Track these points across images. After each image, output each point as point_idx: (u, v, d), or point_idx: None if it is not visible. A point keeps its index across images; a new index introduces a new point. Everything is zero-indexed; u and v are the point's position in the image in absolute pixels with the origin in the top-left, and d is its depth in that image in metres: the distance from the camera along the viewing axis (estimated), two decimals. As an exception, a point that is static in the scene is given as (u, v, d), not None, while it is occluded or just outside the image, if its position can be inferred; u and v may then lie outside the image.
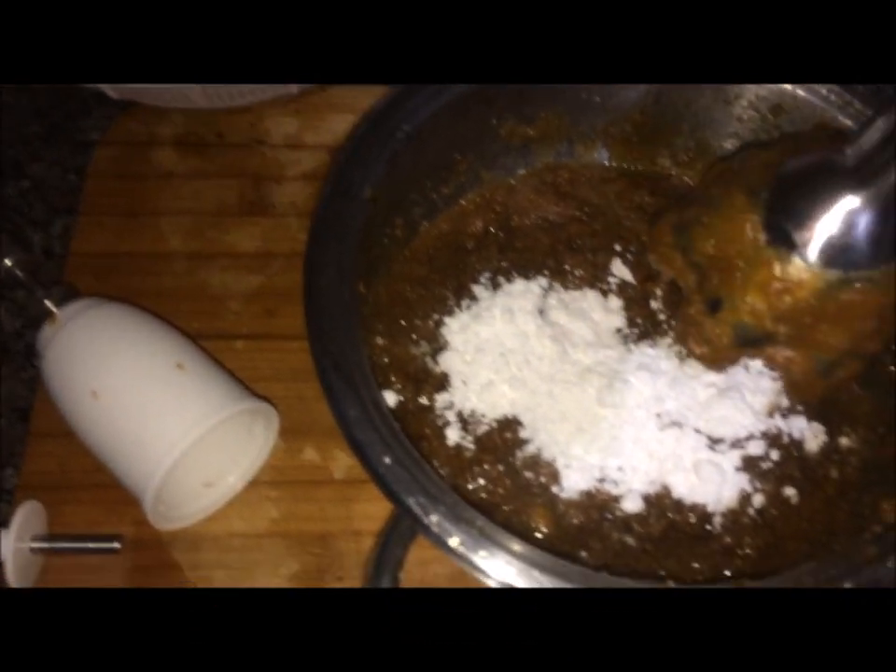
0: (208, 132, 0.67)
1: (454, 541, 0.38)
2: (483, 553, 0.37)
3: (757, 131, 0.57)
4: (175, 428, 0.47)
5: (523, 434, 0.51)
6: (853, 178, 0.37)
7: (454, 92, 0.52)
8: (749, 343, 0.43)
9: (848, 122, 0.51)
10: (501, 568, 0.38)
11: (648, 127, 0.59)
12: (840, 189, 0.37)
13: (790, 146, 0.41)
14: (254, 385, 0.55)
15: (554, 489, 0.49)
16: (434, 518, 0.38)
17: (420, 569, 0.51)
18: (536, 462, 0.50)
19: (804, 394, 0.44)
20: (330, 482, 0.55)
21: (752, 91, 0.55)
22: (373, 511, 0.53)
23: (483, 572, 0.38)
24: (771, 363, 0.44)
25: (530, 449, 0.50)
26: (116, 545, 0.51)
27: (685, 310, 0.45)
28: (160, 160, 0.66)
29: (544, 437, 0.50)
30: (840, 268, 0.38)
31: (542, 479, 0.50)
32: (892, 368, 0.51)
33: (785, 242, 0.39)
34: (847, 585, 0.37)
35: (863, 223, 0.37)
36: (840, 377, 0.43)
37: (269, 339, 0.60)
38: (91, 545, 0.51)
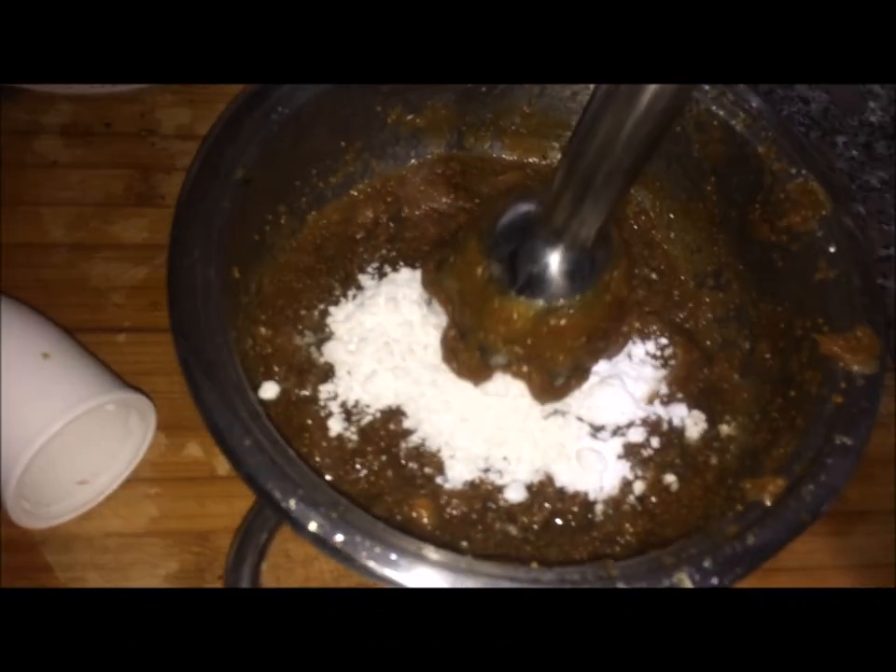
0: (96, 121, 0.65)
1: (312, 526, 0.36)
2: (340, 537, 0.36)
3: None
4: (36, 419, 0.45)
5: (407, 424, 0.50)
6: (547, 230, 0.44)
7: (333, 76, 0.51)
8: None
9: (722, 113, 0.53)
10: (363, 552, 0.37)
11: (536, 119, 0.59)
12: (538, 240, 0.45)
13: (511, 198, 0.48)
14: (136, 378, 0.54)
15: (439, 480, 0.49)
16: (293, 502, 0.37)
17: (304, 567, 0.50)
18: (420, 453, 0.50)
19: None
20: (213, 478, 0.53)
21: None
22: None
23: (343, 557, 0.37)
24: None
25: (414, 440, 0.50)
26: (-22, 546, 0.48)
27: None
28: (44, 149, 0.63)
29: (428, 427, 0.50)
30: (544, 299, 0.45)
31: (427, 469, 0.49)
32: (768, 356, 0.52)
33: (502, 280, 0.45)
34: (706, 564, 0.37)
35: (557, 264, 0.45)
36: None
37: (153, 332, 0.58)
38: (-51, 546, 0.48)
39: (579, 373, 0.50)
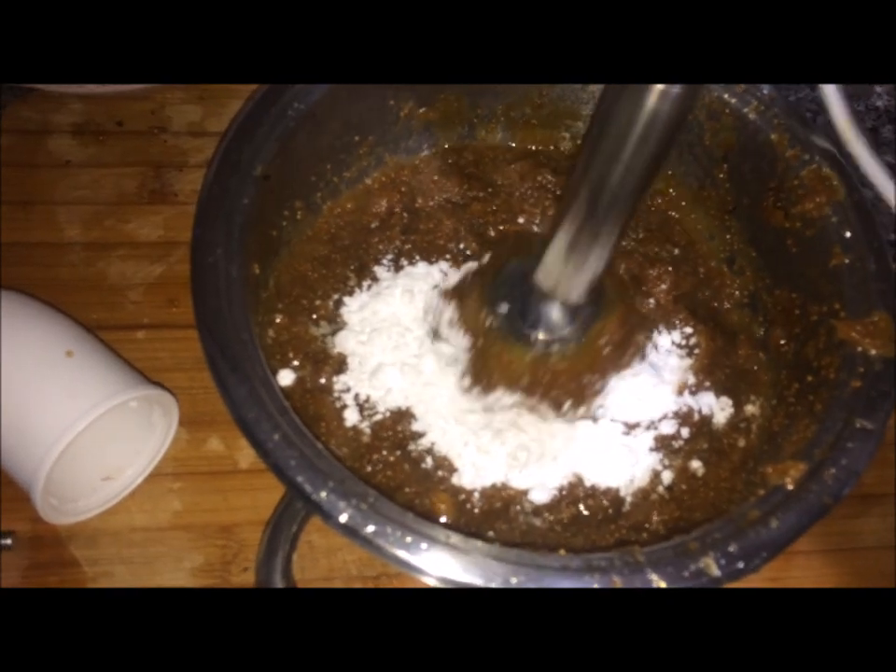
0: (107, 119, 0.65)
1: (343, 517, 0.37)
2: (371, 527, 0.37)
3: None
4: (62, 418, 0.46)
5: (416, 427, 0.50)
6: (541, 286, 0.46)
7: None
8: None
9: (734, 101, 0.53)
10: (395, 543, 0.37)
11: (546, 110, 0.60)
12: (534, 293, 0.46)
13: (511, 249, 0.52)
14: (156, 375, 0.54)
15: (454, 480, 0.49)
16: (323, 494, 0.37)
17: (328, 558, 0.51)
18: (432, 454, 0.50)
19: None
20: (235, 471, 0.54)
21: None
22: (279, 499, 0.52)
23: (374, 547, 0.37)
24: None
25: (424, 442, 0.50)
26: (8, 542, 0.49)
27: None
28: (56, 148, 0.64)
29: (438, 435, 0.50)
30: (540, 345, 0.48)
31: (440, 472, 0.49)
32: (783, 342, 0.52)
33: (502, 327, 0.48)
34: (731, 548, 0.37)
35: (551, 314, 0.47)
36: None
37: (171, 328, 0.58)
38: (-21, 543, 0.49)
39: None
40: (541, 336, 0.47)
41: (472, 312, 0.49)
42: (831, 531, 0.55)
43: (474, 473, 0.49)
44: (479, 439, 0.50)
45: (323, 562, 0.51)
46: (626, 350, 0.50)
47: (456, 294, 0.50)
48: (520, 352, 0.48)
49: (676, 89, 0.32)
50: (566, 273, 0.43)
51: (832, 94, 0.51)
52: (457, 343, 0.49)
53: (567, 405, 0.49)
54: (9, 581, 0.49)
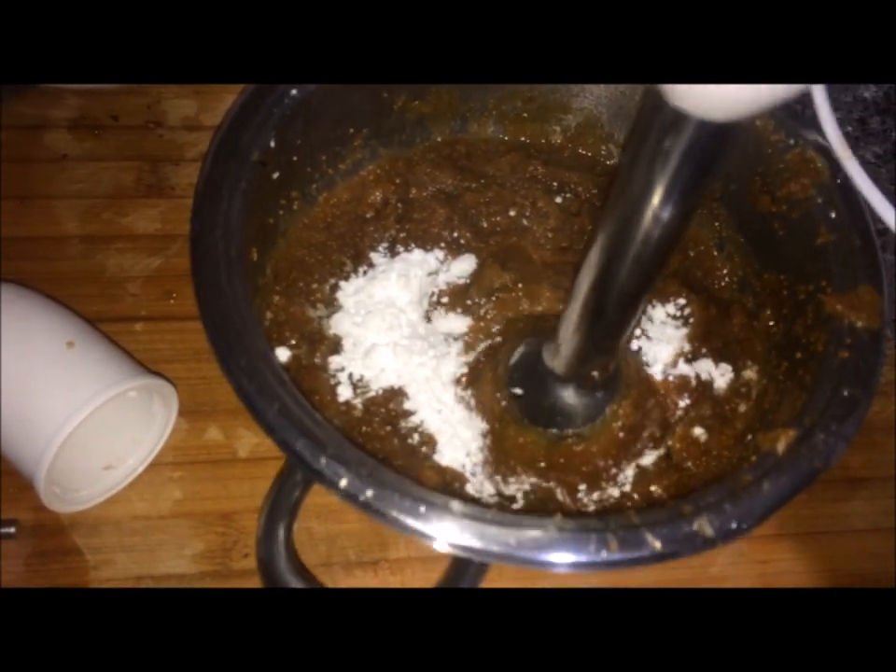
0: (103, 114, 0.66)
1: (343, 482, 0.38)
2: (370, 492, 0.37)
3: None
4: (64, 407, 0.46)
5: (407, 405, 0.51)
6: (556, 369, 0.47)
7: (342, 62, 0.53)
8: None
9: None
10: (393, 506, 0.38)
11: (537, 103, 0.61)
12: (548, 377, 0.48)
13: (524, 332, 0.53)
14: (155, 366, 0.55)
15: (436, 458, 0.50)
16: (323, 461, 0.38)
17: (327, 544, 0.51)
18: (419, 432, 0.50)
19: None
20: (234, 460, 0.54)
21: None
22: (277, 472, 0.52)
23: (373, 510, 0.38)
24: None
25: (414, 420, 0.51)
26: (11, 530, 0.49)
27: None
28: (53, 142, 0.64)
29: (428, 412, 0.51)
30: (555, 428, 0.49)
31: (424, 448, 0.50)
32: (772, 324, 0.53)
33: (516, 410, 0.49)
34: (725, 509, 0.38)
35: (565, 398, 0.49)
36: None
37: (169, 320, 0.59)
38: (-18, 531, 0.49)
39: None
40: (554, 419, 0.49)
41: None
42: (819, 514, 0.56)
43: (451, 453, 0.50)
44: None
45: (322, 548, 0.51)
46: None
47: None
48: (536, 435, 0.49)
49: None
50: (578, 359, 0.45)
51: (826, 119, 0.52)
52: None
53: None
54: (12, 569, 0.49)
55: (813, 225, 0.50)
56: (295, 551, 0.41)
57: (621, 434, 0.49)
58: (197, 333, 0.56)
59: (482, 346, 0.53)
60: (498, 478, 0.49)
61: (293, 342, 0.51)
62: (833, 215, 0.50)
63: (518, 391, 0.49)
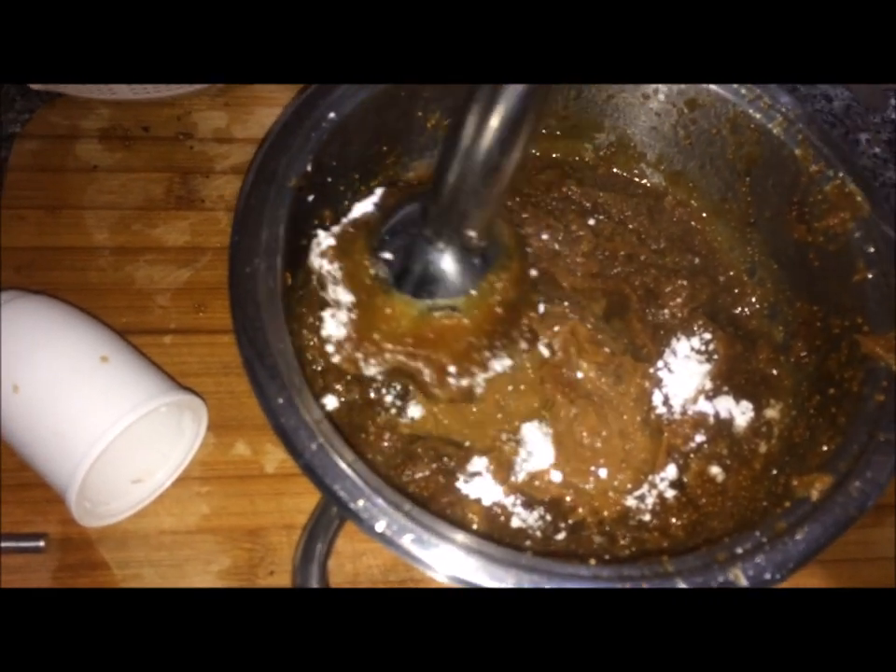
0: (134, 125, 0.66)
1: (380, 526, 0.38)
2: (410, 536, 0.38)
3: (675, 125, 0.59)
4: (98, 422, 0.46)
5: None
6: (429, 228, 0.44)
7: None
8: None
9: (758, 115, 0.54)
10: (430, 552, 0.38)
11: (571, 122, 0.60)
12: (421, 238, 0.45)
13: (396, 198, 0.49)
14: (183, 380, 0.55)
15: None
16: (361, 503, 0.38)
17: (353, 561, 0.52)
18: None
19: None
20: (261, 476, 0.55)
21: (670, 86, 0.57)
22: (305, 504, 0.53)
23: (411, 556, 0.38)
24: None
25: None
26: (40, 544, 0.50)
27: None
28: (84, 153, 0.64)
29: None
30: (427, 298, 0.45)
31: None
32: (804, 354, 0.53)
33: (386, 278, 0.46)
34: (759, 560, 0.38)
35: (439, 263, 0.45)
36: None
37: (198, 333, 0.59)
38: (13, 544, 0.49)
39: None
40: (426, 288, 0.45)
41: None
42: (846, 541, 0.55)
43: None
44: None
45: (349, 566, 0.52)
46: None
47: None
48: (405, 305, 0.45)
49: None
50: (453, 211, 0.42)
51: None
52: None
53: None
54: (40, 583, 0.50)
55: (851, 259, 0.50)
56: (329, 585, 0.41)
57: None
58: (226, 347, 0.57)
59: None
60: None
61: (342, 389, 0.50)
62: (872, 250, 0.49)
63: (388, 255, 0.46)
